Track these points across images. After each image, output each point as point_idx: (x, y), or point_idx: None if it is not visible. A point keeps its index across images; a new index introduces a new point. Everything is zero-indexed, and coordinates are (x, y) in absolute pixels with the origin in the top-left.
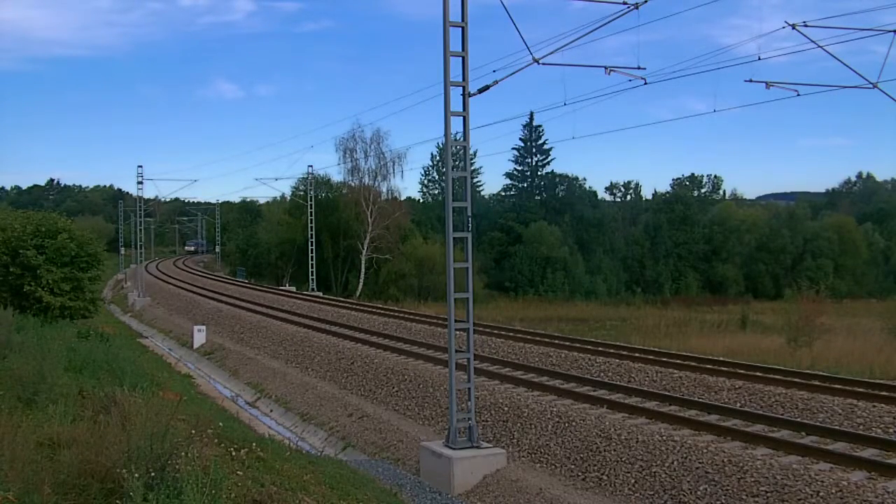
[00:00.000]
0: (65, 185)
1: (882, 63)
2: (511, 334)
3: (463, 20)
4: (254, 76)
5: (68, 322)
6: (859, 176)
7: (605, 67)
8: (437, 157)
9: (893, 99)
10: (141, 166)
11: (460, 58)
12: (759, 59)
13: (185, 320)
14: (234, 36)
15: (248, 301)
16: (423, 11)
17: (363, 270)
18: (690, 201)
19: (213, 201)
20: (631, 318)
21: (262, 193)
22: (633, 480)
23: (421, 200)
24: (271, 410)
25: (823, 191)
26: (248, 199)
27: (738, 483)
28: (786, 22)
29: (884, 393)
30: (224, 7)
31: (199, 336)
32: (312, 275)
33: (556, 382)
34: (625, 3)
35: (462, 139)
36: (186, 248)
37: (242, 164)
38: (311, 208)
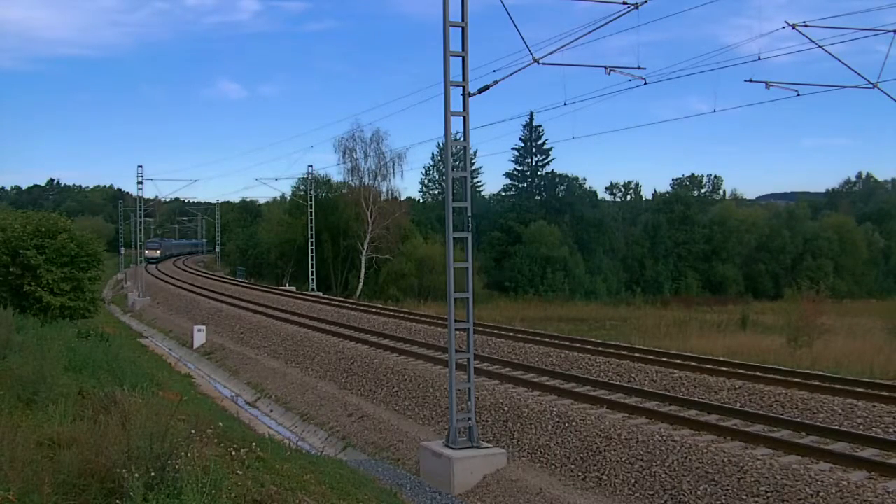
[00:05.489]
0: (65, 185)
1: (882, 63)
2: (511, 334)
3: (463, 20)
4: (257, 76)
5: (68, 322)
6: (859, 176)
7: (606, 67)
8: (437, 157)
9: (894, 99)
10: (141, 166)
11: (460, 58)
12: (760, 58)
13: (185, 320)
14: (239, 36)
15: (248, 301)
16: (425, 11)
17: (363, 270)
18: (690, 201)
19: (213, 201)
20: (631, 318)
21: (262, 193)
22: (633, 480)
23: (421, 200)
24: (271, 410)
25: (823, 191)
26: (248, 199)
27: (738, 483)
28: (786, 22)
29: (884, 393)
30: (230, 7)
31: (199, 336)
32: (312, 275)
33: (556, 382)
34: (625, 3)
35: (462, 139)
36: (147, 250)
37: (242, 164)
38: (311, 208)
